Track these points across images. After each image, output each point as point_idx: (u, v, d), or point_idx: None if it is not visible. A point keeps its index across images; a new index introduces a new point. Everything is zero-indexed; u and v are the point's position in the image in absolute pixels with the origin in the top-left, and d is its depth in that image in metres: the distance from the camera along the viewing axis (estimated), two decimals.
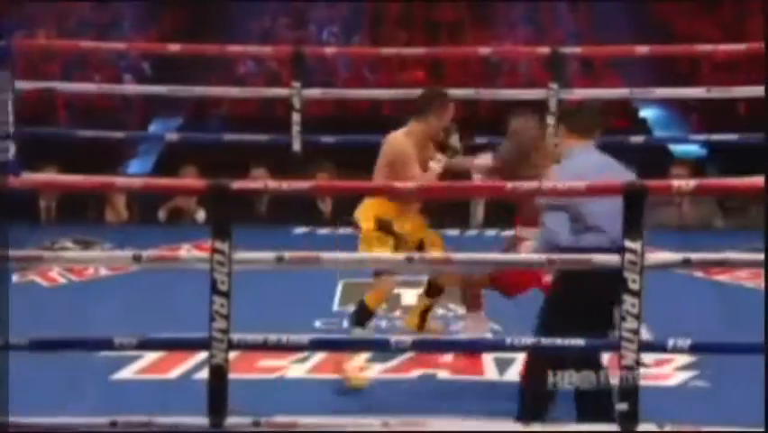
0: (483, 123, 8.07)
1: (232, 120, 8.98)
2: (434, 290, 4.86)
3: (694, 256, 3.73)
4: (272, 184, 3.88)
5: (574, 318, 3.75)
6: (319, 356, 4.62)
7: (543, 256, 3.83)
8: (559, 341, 3.66)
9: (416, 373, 4.51)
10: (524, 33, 10.90)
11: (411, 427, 3.69)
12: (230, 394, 3.60)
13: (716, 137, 7.05)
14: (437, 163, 4.62)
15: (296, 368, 4.57)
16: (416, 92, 7.38)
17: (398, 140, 4.69)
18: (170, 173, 6.85)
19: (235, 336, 3.59)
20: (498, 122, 7.31)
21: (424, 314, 4.88)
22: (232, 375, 3.66)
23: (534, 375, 3.82)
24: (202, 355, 3.93)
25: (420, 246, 4.70)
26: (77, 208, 6.82)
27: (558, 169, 3.98)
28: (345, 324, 5.13)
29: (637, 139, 6.95)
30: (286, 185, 3.74)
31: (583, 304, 3.78)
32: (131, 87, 8.34)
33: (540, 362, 3.81)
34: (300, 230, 6.67)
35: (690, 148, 8.83)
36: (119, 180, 4.28)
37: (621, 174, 3.86)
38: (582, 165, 3.88)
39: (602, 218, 3.79)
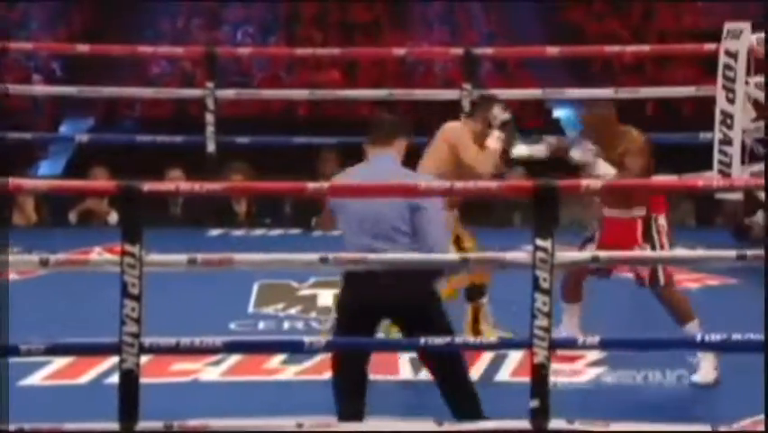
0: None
1: (145, 121, 8.88)
2: (474, 293, 4.75)
3: (603, 254, 3.80)
4: (184, 186, 3.85)
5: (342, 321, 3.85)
6: (234, 359, 4.58)
7: (455, 256, 3.86)
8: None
9: (330, 375, 4.50)
10: (439, 34, 10.97)
11: (325, 427, 3.69)
12: (142, 399, 3.55)
13: None
14: (496, 141, 4.64)
15: (210, 371, 4.52)
16: (332, 93, 7.46)
17: (458, 126, 4.78)
18: (82, 175, 6.75)
19: (147, 340, 3.54)
20: (414, 122, 7.36)
21: (476, 322, 4.74)
22: (144, 379, 3.61)
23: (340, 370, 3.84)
24: (113, 360, 3.87)
25: (457, 242, 4.66)
26: None
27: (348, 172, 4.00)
28: (261, 325, 5.11)
29: (550, 139, 7.03)
30: (198, 186, 3.71)
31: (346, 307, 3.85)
32: (39, 88, 8.18)
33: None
34: (215, 232, 6.62)
35: None
36: (26, 182, 4.19)
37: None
38: (365, 172, 3.91)
39: (348, 224, 3.81)
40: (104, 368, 4.37)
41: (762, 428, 3.63)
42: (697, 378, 4.32)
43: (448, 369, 3.83)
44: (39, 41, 8.99)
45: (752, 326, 3.94)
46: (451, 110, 6.48)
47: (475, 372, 4.50)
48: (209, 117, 6.52)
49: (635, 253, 4.37)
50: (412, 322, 3.79)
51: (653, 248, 4.46)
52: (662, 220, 4.58)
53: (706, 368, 4.38)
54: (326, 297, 5.38)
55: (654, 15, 10.32)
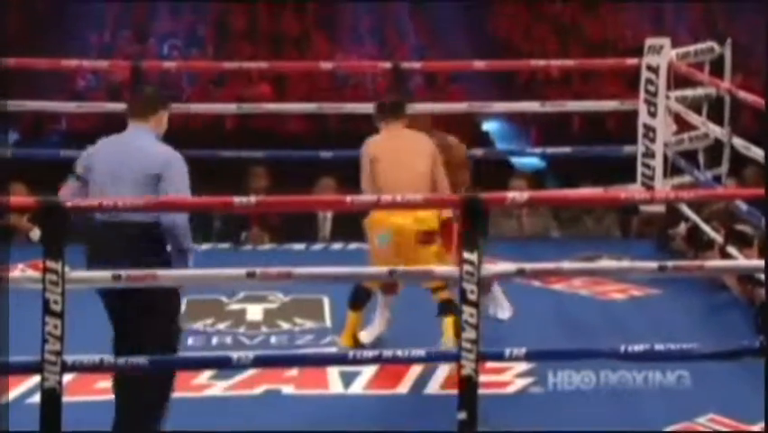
0: (331, 136, 8.12)
1: (71, 135, 8.76)
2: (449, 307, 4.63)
3: (528, 266, 3.82)
4: (107, 201, 3.79)
5: None
6: None
7: (384, 269, 3.85)
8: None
9: (260, 389, 4.47)
10: (369, 48, 11.00)
11: None
12: (66, 417, 3.49)
13: (551, 150, 7.27)
14: None
15: None
16: (260, 107, 7.42)
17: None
18: (2, 191, 6.62)
19: (70, 358, 3.48)
20: (345, 135, 7.35)
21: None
22: (68, 398, 3.55)
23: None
24: (36, 379, 3.79)
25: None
26: None
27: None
28: (189, 341, 5.06)
29: (478, 151, 7.10)
30: (121, 202, 3.66)
31: None
32: None
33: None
34: None
35: (530, 161, 9.06)
36: None
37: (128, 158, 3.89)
38: (114, 145, 4.01)
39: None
40: (26, 387, 4.28)
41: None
42: (502, 315, 4.82)
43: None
44: None
45: (675, 336, 4.01)
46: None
47: (404, 385, 4.51)
48: None
49: (564, 264, 4.35)
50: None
51: None
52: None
53: (501, 304, 4.83)
54: (256, 312, 5.35)
55: (582, 29, 10.47)
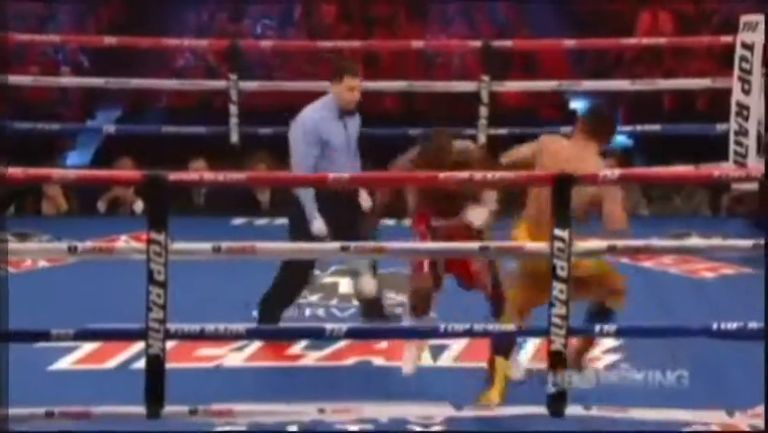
0: (421, 114, 8.10)
1: (171, 112, 8.87)
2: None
3: (619, 243, 3.77)
4: (208, 176, 3.86)
5: None
6: (257, 345, 4.60)
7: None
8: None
9: (351, 361, 4.50)
10: (457, 28, 10.93)
11: (346, 412, 3.69)
12: (168, 383, 3.56)
13: (641, 128, 7.15)
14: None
15: (233, 356, 4.54)
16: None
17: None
18: (109, 165, 6.76)
19: (172, 326, 3.55)
20: (433, 114, 7.33)
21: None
22: (170, 364, 3.62)
23: None
24: (140, 345, 3.88)
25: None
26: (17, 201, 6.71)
27: None
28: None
29: (567, 130, 7.01)
30: (222, 176, 3.71)
31: None
32: (67, 80, 8.19)
33: None
34: (238, 221, 6.63)
35: (619, 139, 8.91)
36: (54, 172, 4.20)
37: None
38: None
39: None
40: (131, 353, 4.39)
41: None
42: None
43: None
44: (68, 35, 9.00)
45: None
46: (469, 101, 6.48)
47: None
48: (233, 108, 6.52)
49: (654, 242, 4.23)
50: None
51: None
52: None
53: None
54: (347, 285, 5.38)
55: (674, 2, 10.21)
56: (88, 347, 4.43)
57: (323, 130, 4.65)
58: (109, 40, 7.13)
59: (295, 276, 4.73)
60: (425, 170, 4.14)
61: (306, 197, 4.62)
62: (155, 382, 3.49)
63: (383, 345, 4.60)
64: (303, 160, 4.62)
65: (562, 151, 4.14)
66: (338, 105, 4.69)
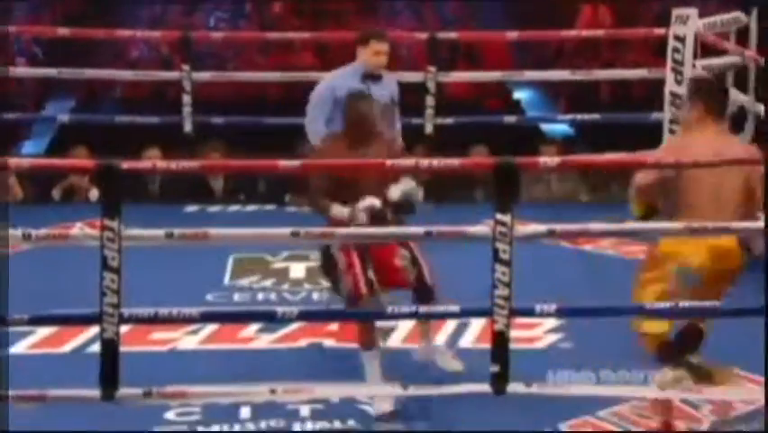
0: None
1: (125, 102, 8.79)
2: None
3: (558, 227, 3.80)
4: (161, 164, 3.83)
5: None
6: (210, 328, 4.58)
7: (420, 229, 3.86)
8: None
9: (303, 343, 4.50)
10: (405, 21, 10.92)
11: (297, 392, 3.68)
12: (123, 366, 3.53)
13: (581, 117, 7.22)
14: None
15: (188, 340, 4.53)
16: (303, 75, 7.43)
17: None
18: (64, 154, 6.69)
19: (126, 311, 3.52)
20: None
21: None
22: (125, 348, 3.59)
23: None
24: (95, 330, 3.84)
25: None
26: None
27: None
28: (236, 296, 5.10)
29: (510, 119, 7.06)
30: (174, 164, 3.68)
31: None
32: (21, 70, 8.06)
33: None
34: (192, 208, 6.58)
35: (560, 128, 8.99)
36: (10, 161, 4.13)
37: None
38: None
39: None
40: (86, 338, 4.35)
41: None
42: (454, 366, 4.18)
43: None
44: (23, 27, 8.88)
45: None
46: (416, 90, 6.48)
47: (440, 338, 4.52)
48: (186, 99, 6.48)
49: (592, 226, 4.25)
50: None
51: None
52: None
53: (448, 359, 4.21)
54: (298, 270, 5.38)
55: None
56: (44, 332, 4.39)
57: (337, 90, 4.56)
58: (62, 31, 7.04)
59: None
60: (349, 141, 4.08)
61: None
62: (109, 366, 3.46)
63: (334, 327, 4.61)
64: (310, 122, 4.63)
65: (706, 146, 3.80)
66: (364, 69, 4.67)
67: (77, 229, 5.28)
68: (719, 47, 6.10)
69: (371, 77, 4.67)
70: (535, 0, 10.33)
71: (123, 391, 3.49)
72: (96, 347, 3.67)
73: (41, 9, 10.14)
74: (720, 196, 3.86)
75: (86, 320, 3.72)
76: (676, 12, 6.19)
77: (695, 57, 6.11)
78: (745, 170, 3.84)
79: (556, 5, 10.11)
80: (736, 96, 5.94)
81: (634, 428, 3.82)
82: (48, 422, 3.63)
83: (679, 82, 6.10)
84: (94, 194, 6.63)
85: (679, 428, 3.82)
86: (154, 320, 3.64)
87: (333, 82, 4.64)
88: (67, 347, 4.36)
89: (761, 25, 6.00)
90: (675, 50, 6.11)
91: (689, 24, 6.07)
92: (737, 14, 6.11)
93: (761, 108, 5.60)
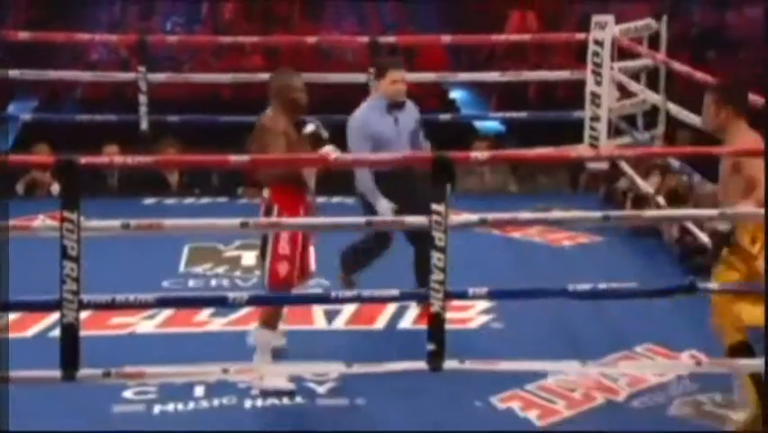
0: (316, 103, 8.08)
1: (85, 102, 8.66)
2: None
3: (489, 216, 3.82)
4: (118, 159, 3.76)
5: None
6: (167, 313, 4.53)
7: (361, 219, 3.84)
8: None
9: (253, 326, 4.47)
10: (349, 25, 10.90)
11: (247, 372, 3.66)
12: (84, 349, 3.48)
13: (510, 115, 7.27)
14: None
15: (145, 324, 4.47)
16: (253, 77, 7.38)
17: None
18: (27, 151, 6.57)
19: (85, 297, 3.47)
20: (327, 103, 7.32)
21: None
22: (85, 332, 3.53)
23: None
24: (56, 315, 3.78)
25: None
26: None
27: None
28: (191, 283, 5.05)
29: (446, 117, 7.08)
30: (130, 159, 3.63)
31: None
32: None
33: None
34: (149, 201, 6.51)
35: (492, 125, 9.05)
36: None
37: None
38: None
39: None
40: (48, 323, 4.28)
41: None
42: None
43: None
44: None
45: (617, 276, 4.04)
46: (360, 91, 6.46)
47: (380, 321, 4.53)
48: (142, 98, 6.40)
49: (520, 215, 4.24)
50: None
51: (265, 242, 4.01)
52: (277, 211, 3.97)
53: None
54: (249, 258, 5.34)
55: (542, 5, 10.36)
56: (8, 318, 4.30)
57: (371, 125, 4.46)
58: (23, 35, 6.90)
59: (377, 241, 4.52)
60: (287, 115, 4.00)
61: (367, 185, 4.42)
62: (70, 349, 3.41)
63: (284, 310, 4.58)
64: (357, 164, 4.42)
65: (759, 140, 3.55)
66: (386, 100, 4.51)
67: (39, 221, 5.20)
68: (634, 51, 6.17)
69: (396, 105, 4.53)
70: (468, 6, 10.38)
71: (84, 372, 3.43)
72: (57, 332, 3.61)
73: (4, 13, 9.95)
74: None
75: (48, 306, 3.66)
76: (595, 18, 6.26)
77: (612, 60, 6.19)
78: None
79: (487, 12, 10.17)
80: (649, 96, 6.03)
81: (559, 400, 3.86)
82: (12, 402, 3.56)
83: (598, 83, 6.17)
84: (55, 188, 6.51)
85: (598, 400, 3.86)
86: (112, 306, 3.59)
87: (364, 120, 4.50)
88: (30, 332, 4.28)
89: (670, 31, 6.09)
90: (595, 53, 6.18)
91: (606, 30, 6.14)
92: (649, 21, 6.19)
93: (670, 106, 5.70)
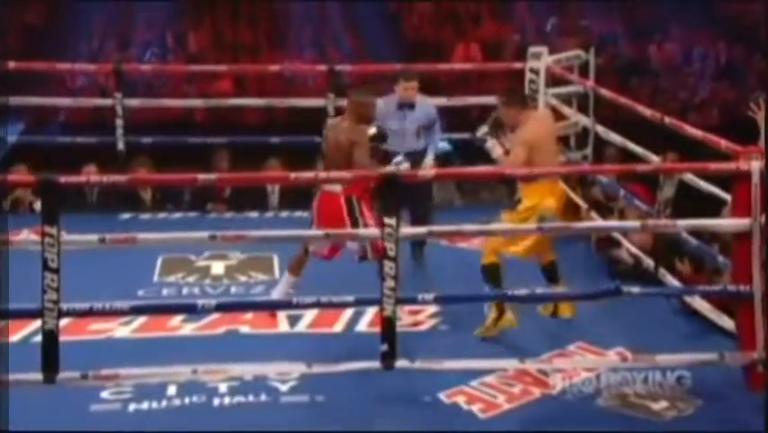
0: (280, 126, 8.09)
1: (68, 126, 8.58)
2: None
3: (436, 228, 3.84)
4: (95, 177, 3.73)
5: None
6: (142, 319, 4.48)
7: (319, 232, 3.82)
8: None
9: (221, 330, 4.44)
10: (310, 55, 10.92)
11: (215, 372, 3.64)
12: (65, 354, 3.43)
13: (457, 136, 7.31)
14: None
15: (122, 330, 4.42)
16: (223, 101, 7.36)
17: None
18: (8, 171, 6.49)
19: (65, 306, 3.42)
20: (290, 125, 7.32)
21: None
22: (66, 338, 3.49)
23: None
24: (38, 323, 3.72)
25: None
26: None
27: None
28: (164, 292, 5.00)
29: None
30: (106, 178, 3.61)
31: None
32: None
33: None
34: (125, 216, 6.45)
35: (440, 145, 9.06)
36: None
37: None
38: None
39: None
40: (30, 330, 4.21)
41: None
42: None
43: None
44: None
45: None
46: (319, 114, 6.46)
47: (339, 325, 4.52)
48: (118, 122, 6.38)
49: (465, 227, 4.26)
50: None
51: (356, 225, 4.25)
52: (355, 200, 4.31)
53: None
54: (218, 267, 5.31)
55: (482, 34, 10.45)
56: (8, 323, 4.23)
57: (382, 116, 4.90)
58: (11, 64, 6.85)
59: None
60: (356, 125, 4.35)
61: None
62: (50, 353, 3.37)
63: (248, 316, 4.56)
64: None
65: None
66: (399, 100, 5.16)
67: (23, 236, 5.12)
68: (566, 78, 6.25)
69: (405, 105, 5.18)
70: (418, 39, 10.43)
71: (63, 374, 3.39)
72: (38, 338, 3.56)
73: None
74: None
75: (30, 314, 3.61)
76: (531, 50, 6.34)
77: (547, 86, 6.26)
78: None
79: (435, 42, 10.24)
80: (580, 119, 6.11)
81: (500, 395, 3.87)
82: None
83: (535, 108, 6.23)
84: (38, 205, 6.42)
85: (535, 394, 3.88)
86: (90, 313, 3.56)
87: (379, 110, 4.87)
88: (14, 338, 4.21)
89: (597, 61, 6.18)
90: (531, 80, 6.26)
91: (541, 60, 6.22)
92: (578, 52, 6.29)
93: (599, 128, 5.80)
